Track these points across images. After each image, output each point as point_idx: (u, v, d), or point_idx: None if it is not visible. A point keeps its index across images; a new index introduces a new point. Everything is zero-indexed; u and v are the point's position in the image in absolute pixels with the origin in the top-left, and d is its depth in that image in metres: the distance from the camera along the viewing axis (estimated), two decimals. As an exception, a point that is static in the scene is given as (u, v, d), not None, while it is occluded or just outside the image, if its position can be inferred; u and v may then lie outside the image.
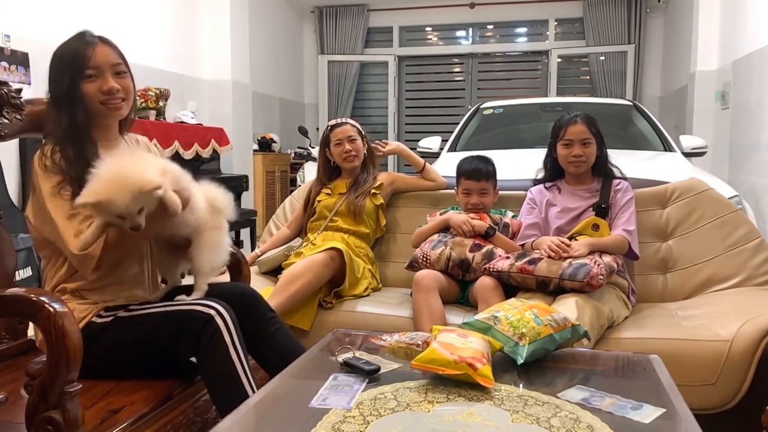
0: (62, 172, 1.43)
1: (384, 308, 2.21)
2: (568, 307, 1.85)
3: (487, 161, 2.41)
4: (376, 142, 2.72)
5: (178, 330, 1.43)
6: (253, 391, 1.43)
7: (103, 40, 1.53)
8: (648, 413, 1.14)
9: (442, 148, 4.13)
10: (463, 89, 7.64)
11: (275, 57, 7.03)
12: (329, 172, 2.66)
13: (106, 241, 1.39)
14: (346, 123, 2.60)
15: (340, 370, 1.34)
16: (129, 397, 1.35)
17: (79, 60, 1.47)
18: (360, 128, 2.62)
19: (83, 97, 1.48)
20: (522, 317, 1.45)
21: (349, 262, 2.25)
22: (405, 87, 7.77)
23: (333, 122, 2.63)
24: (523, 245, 2.28)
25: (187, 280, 1.77)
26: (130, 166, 1.37)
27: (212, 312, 1.43)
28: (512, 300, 1.62)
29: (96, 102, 1.49)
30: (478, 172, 2.36)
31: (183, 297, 1.57)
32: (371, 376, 1.31)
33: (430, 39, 7.86)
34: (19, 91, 1.55)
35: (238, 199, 5.27)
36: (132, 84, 1.56)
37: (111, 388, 1.39)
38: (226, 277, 1.84)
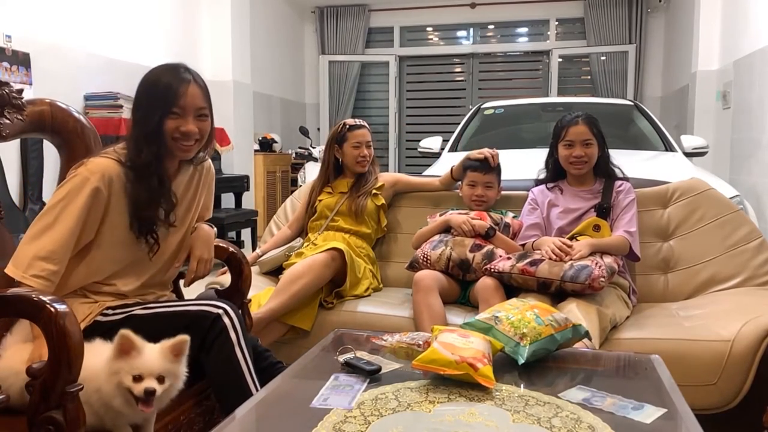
0: (133, 199, 1.47)
1: (385, 308, 2.20)
2: (572, 315, 1.84)
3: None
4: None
5: (187, 328, 1.42)
6: (257, 390, 1.44)
7: (195, 79, 1.53)
8: (649, 413, 1.14)
9: (443, 148, 4.14)
10: (464, 89, 7.63)
11: (276, 57, 7.03)
12: (335, 169, 2.66)
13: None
14: (365, 126, 2.59)
15: (341, 370, 1.34)
16: (130, 396, 1.35)
17: (170, 98, 1.48)
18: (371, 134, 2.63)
19: (164, 133, 1.49)
20: (523, 317, 1.45)
21: (350, 262, 2.25)
22: (406, 87, 7.77)
23: (352, 122, 2.61)
24: (523, 245, 2.27)
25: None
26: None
27: (220, 311, 1.47)
28: (513, 300, 1.62)
29: (170, 138, 1.50)
30: (485, 164, 2.40)
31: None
32: (372, 376, 1.31)
33: (431, 39, 7.85)
34: (21, 91, 1.55)
35: (239, 199, 5.28)
36: (209, 126, 1.57)
37: (112, 388, 1.38)
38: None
